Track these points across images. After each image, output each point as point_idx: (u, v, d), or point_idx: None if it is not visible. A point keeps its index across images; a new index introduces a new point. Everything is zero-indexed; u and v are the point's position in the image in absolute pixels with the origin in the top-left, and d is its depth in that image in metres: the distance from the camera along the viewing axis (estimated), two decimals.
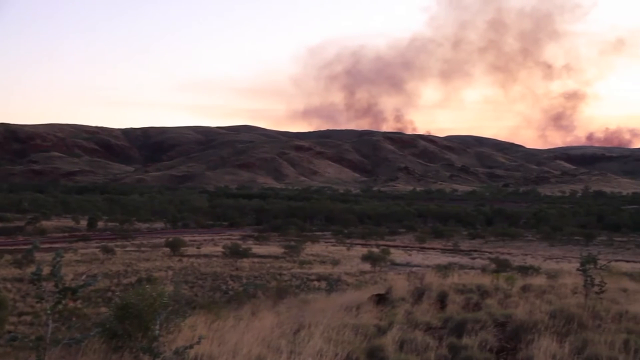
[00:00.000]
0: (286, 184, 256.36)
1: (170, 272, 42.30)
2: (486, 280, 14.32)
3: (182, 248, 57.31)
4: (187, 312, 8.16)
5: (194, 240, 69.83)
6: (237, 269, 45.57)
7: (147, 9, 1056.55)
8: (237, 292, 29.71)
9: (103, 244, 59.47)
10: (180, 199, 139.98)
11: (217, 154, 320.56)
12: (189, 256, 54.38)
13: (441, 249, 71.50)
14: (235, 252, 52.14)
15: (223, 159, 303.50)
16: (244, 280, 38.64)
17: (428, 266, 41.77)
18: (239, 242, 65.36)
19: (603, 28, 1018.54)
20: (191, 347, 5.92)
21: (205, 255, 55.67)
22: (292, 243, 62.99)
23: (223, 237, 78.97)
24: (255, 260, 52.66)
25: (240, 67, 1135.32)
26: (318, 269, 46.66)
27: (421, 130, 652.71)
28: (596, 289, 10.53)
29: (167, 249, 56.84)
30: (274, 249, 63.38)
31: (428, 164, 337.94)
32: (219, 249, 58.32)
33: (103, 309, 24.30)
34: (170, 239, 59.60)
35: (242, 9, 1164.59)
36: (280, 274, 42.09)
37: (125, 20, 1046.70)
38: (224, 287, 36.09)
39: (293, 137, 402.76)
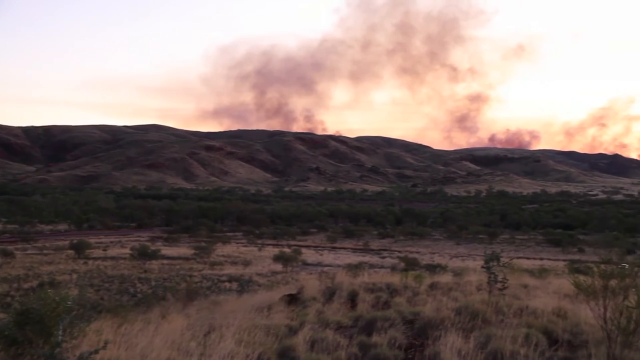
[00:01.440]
0: (197, 185, 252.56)
1: (74, 276, 40.79)
2: (395, 279, 14.56)
3: (88, 250, 55.40)
4: (93, 317, 7.90)
5: (100, 242, 67.66)
6: (145, 271, 44.50)
7: (48, 2, 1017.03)
8: (146, 295, 29.03)
9: (1, 247, 56.61)
10: (86, 199, 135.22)
11: (124, 153, 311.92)
12: (95, 259, 52.63)
13: (352, 249, 72.31)
14: (143, 254, 50.97)
15: (131, 159, 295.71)
16: (153, 283, 37.80)
17: (339, 266, 42.16)
18: (148, 243, 63.87)
19: (505, 34, 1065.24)
20: (96, 352, 5.74)
21: (112, 258, 54.02)
22: (203, 244, 62.08)
23: (131, 238, 76.87)
24: (165, 262, 51.58)
25: (148, 65, 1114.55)
26: (229, 270, 46.22)
27: (331, 131, 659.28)
28: (499, 285, 10.93)
29: (71, 252, 54.77)
30: (184, 250, 62.28)
31: (339, 164, 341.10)
32: (127, 250, 56.79)
33: (1, 315, 23.15)
34: (75, 241, 57.49)
35: (150, 5, 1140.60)
36: (190, 276, 41.38)
37: (25, 13, 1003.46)
38: (131, 290, 35.16)
39: (203, 137, 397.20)
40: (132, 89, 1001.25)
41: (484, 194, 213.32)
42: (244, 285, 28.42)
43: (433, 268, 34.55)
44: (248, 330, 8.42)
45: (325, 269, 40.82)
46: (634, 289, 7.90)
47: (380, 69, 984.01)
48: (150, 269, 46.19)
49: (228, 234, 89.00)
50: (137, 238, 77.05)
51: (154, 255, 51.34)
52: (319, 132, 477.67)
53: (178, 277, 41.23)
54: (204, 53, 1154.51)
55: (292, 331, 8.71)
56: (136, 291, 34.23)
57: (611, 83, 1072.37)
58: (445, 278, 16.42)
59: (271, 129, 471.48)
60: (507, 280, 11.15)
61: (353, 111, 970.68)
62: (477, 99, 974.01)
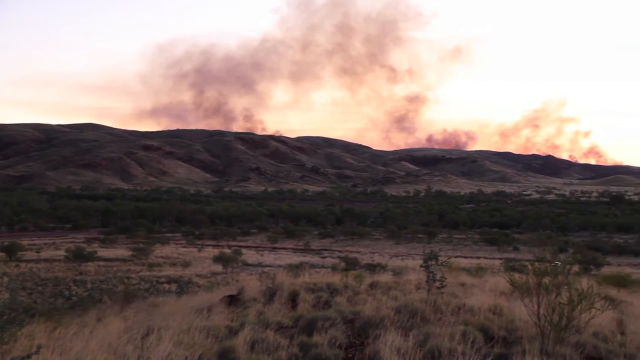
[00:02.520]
0: (134, 185, 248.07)
1: (5, 279, 39.42)
2: (336, 279, 14.63)
3: (20, 252, 53.67)
4: (25, 321, 7.66)
5: (33, 244, 65.64)
6: (81, 274, 43.39)
7: None
8: (82, 298, 28.32)
9: None
10: (18, 200, 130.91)
11: (58, 153, 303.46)
12: (28, 261, 51.01)
13: (293, 249, 72.31)
14: (78, 256, 49.71)
15: (65, 159, 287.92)
16: (89, 285, 36.91)
17: (280, 266, 42.09)
18: (84, 245, 62.33)
19: (442, 36, 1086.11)
20: (29, 357, 5.57)
21: (46, 260, 52.47)
22: (141, 245, 61.01)
23: (66, 240, 74.84)
24: (101, 263, 50.44)
25: (83, 62, 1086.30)
26: (168, 272, 45.55)
27: (271, 131, 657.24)
28: (437, 284, 11.11)
29: (2, 254, 53.00)
30: (121, 251, 61.05)
31: (279, 164, 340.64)
32: (61, 252, 55.23)
33: None
34: (6, 243, 55.59)
35: (85, 1, 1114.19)
36: (128, 278, 40.59)
37: None
38: (66, 292, 34.19)
39: (141, 137, 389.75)
40: (67, 86, 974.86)
41: (422, 194, 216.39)
42: (183, 286, 28.07)
43: (373, 267, 34.99)
44: (187, 332, 8.32)
45: (266, 269, 40.74)
46: (566, 286, 8.16)
47: (320, 70, 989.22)
48: (86, 271, 45.09)
49: (167, 234, 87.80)
50: (72, 239, 75.11)
51: (90, 257, 50.16)
52: (259, 132, 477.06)
53: (115, 279, 40.41)
54: (141, 51, 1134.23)
55: (233, 332, 8.63)
56: (71, 294, 33.33)
57: (544, 86, 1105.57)
58: (385, 277, 16.59)
59: (210, 129, 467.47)
60: (446, 278, 11.35)
61: (293, 111, 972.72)
62: (415, 99, 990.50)
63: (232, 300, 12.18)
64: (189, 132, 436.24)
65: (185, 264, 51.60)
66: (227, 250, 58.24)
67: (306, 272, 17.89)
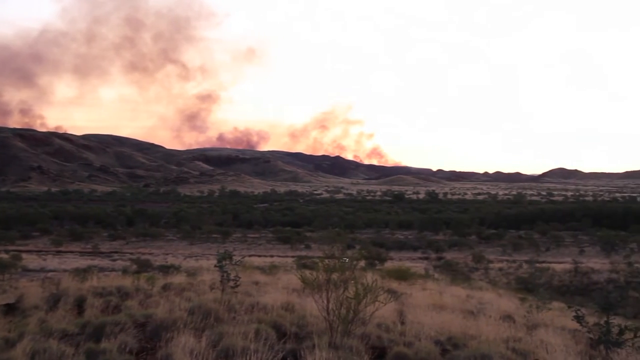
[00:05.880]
0: None
1: None
2: (127, 282, 14.21)
3: None
4: None
5: None
6: None
7: None
8: None
9: None
10: None
11: None
12: None
13: (80, 252, 68.60)
14: None
15: None
16: None
17: (66, 270, 39.57)
18: None
19: (236, 37, 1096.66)
20: None
21: None
22: None
23: None
24: None
25: None
26: None
27: (51, 127, 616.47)
28: (232, 283, 11.19)
29: None
30: None
31: (64, 163, 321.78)
32: None
33: None
34: None
35: None
36: None
37: None
38: None
39: None
40: None
41: (217, 194, 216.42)
42: None
43: (166, 269, 34.20)
44: None
45: (50, 274, 38.13)
46: (353, 281, 8.60)
47: (108, 65, 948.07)
48: None
49: None
50: None
51: None
52: (38, 128, 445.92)
53: None
54: None
55: (10, 344, 8.00)
56: None
57: (333, 88, 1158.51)
58: (178, 278, 16.39)
59: None
60: (240, 278, 11.46)
61: (79, 107, 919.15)
62: (207, 98, 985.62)
63: (10, 309, 11.31)
64: None
65: None
66: (4, 256, 53.77)
67: (94, 276, 17.07)
